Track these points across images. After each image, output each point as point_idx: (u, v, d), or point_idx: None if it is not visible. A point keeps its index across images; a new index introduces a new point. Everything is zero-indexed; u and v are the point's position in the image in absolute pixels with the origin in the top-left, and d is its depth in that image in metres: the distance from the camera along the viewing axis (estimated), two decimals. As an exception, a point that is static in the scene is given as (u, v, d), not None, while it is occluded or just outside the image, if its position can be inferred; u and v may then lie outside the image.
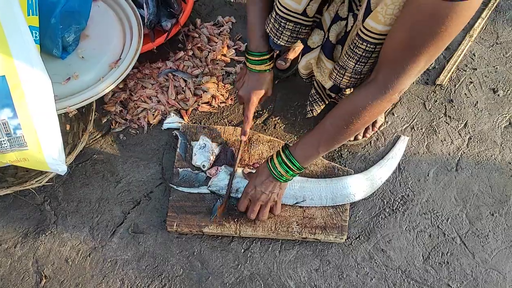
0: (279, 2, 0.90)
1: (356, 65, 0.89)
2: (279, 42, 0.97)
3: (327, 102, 1.15)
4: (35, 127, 1.01)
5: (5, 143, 0.99)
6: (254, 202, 1.08)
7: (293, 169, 1.01)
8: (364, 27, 0.82)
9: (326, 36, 0.94)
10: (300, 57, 1.03)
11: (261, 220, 1.12)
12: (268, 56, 1.04)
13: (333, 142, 0.96)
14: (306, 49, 1.00)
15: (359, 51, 0.86)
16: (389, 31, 0.80)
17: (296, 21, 0.92)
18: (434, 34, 0.72)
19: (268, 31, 0.98)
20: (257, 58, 1.03)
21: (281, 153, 1.02)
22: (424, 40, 0.74)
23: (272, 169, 1.03)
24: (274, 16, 0.94)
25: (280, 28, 0.94)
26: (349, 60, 0.89)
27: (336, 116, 0.93)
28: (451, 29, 0.71)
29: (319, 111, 1.17)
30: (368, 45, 0.84)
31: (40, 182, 1.11)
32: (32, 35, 1.02)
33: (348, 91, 1.07)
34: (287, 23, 0.92)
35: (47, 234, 1.18)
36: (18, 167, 1.19)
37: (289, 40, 0.96)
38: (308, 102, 1.17)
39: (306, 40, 1.00)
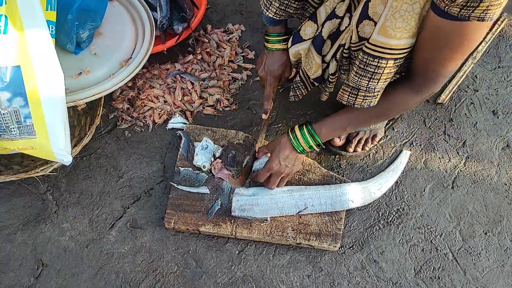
0: None
1: (370, 83, 0.91)
2: (267, 13, 1.03)
3: (309, 89, 1.20)
4: (45, 117, 1.04)
5: (14, 131, 1.02)
6: (277, 175, 1.13)
7: (313, 144, 1.08)
8: (371, 43, 0.84)
9: (319, 31, 0.98)
10: (290, 43, 1.07)
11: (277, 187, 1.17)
12: (284, 37, 1.11)
13: (359, 127, 1.08)
14: (298, 39, 1.04)
15: (370, 68, 0.88)
16: (406, 46, 0.84)
17: None
18: (462, 47, 0.81)
19: (261, 3, 1.04)
20: (274, 38, 1.11)
21: (304, 128, 1.08)
22: (453, 54, 0.83)
23: (294, 141, 1.09)
24: None
25: None
26: (361, 79, 0.92)
27: (370, 109, 1.00)
28: (477, 39, 0.79)
29: (301, 97, 1.22)
30: (380, 61, 0.86)
31: (45, 171, 1.14)
32: (49, 29, 1.07)
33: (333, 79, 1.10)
34: None
35: (47, 223, 1.20)
36: (24, 155, 1.23)
37: (277, 12, 1.02)
38: (292, 88, 1.21)
39: (299, 29, 1.03)
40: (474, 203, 1.26)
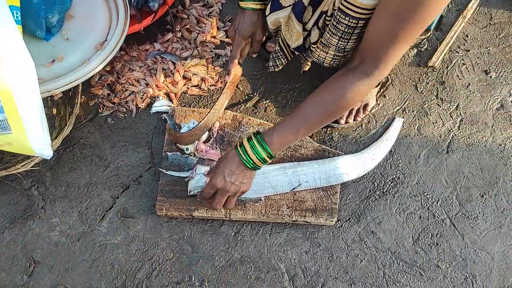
0: None
1: (339, 42, 0.89)
2: None
3: (289, 59, 1.14)
4: (19, 110, 0.98)
5: (-13, 127, 0.96)
6: (223, 194, 1.00)
7: (265, 155, 0.94)
8: (346, 0, 0.81)
9: None
10: (268, 10, 1.01)
11: (227, 208, 1.10)
12: None
13: (314, 128, 0.96)
14: (277, 6, 0.98)
15: (341, 26, 0.86)
16: (373, 12, 0.79)
17: None
18: (418, 20, 0.75)
19: None
20: None
21: (253, 138, 0.95)
22: (408, 26, 0.76)
23: (242, 155, 0.95)
24: None
25: None
26: (332, 36, 0.89)
27: (320, 103, 0.91)
28: (433, 12, 0.73)
29: (281, 67, 1.16)
30: (351, 20, 0.84)
31: (26, 167, 1.09)
32: (13, 15, 0.99)
33: (318, 47, 1.01)
34: None
35: (35, 219, 1.17)
36: (4, 152, 1.18)
37: None
38: (271, 58, 1.16)
39: None
40: (470, 166, 1.25)
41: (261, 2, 1.05)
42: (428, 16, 0.74)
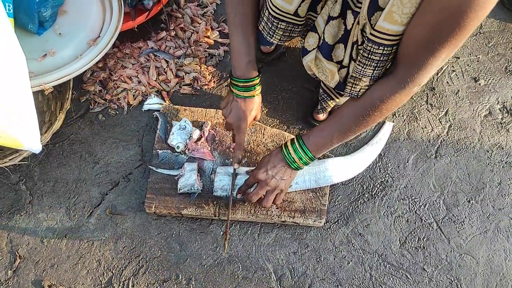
0: (271, 1, 0.87)
1: (375, 71, 0.85)
2: (272, 40, 0.95)
3: (336, 100, 1.12)
4: (9, 104, 0.97)
5: (-24, 119, 0.95)
6: (262, 186, 1.04)
7: (306, 158, 0.99)
8: (376, 30, 0.78)
9: (322, 38, 0.91)
10: (302, 56, 1.00)
11: (264, 207, 1.11)
12: (256, 82, 0.99)
13: (348, 134, 0.95)
14: (304, 52, 0.98)
15: (375, 57, 0.82)
16: (405, 30, 0.77)
17: (288, 21, 0.89)
18: (456, 31, 0.71)
19: (260, 29, 0.95)
20: (244, 84, 0.98)
21: (295, 141, 1.00)
22: (446, 37, 0.73)
23: (286, 155, 1.00)
24: (266, 15, 0.91)
25: (272, 27, 0.92)
26: (365, 68, 0.85)
27: (353, 109, 0.92)
28: (472, 23, 0.70)
29: (329, 110, 1.17)
30: (386, 49, 0.80)
31: (14, 161, 1.08)
32: (5, 8, 0.99)
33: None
34: (280, 23, 0.89)
35: (22, 214, 1.15)
36: (-8, 145, 1.16)
37: (281, 39, 0.94)
38: (319, 101, 1.15)
39: (304, 41, 0.97)
40: (457, 171, 1.26)
41: (258, 87, 1.00)
42: (469, 27, 0.70)
